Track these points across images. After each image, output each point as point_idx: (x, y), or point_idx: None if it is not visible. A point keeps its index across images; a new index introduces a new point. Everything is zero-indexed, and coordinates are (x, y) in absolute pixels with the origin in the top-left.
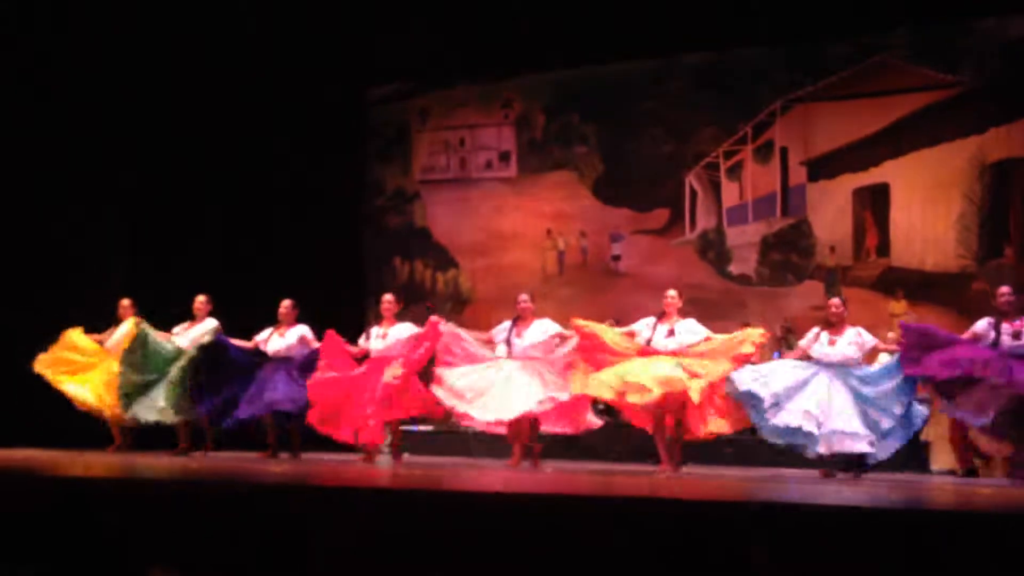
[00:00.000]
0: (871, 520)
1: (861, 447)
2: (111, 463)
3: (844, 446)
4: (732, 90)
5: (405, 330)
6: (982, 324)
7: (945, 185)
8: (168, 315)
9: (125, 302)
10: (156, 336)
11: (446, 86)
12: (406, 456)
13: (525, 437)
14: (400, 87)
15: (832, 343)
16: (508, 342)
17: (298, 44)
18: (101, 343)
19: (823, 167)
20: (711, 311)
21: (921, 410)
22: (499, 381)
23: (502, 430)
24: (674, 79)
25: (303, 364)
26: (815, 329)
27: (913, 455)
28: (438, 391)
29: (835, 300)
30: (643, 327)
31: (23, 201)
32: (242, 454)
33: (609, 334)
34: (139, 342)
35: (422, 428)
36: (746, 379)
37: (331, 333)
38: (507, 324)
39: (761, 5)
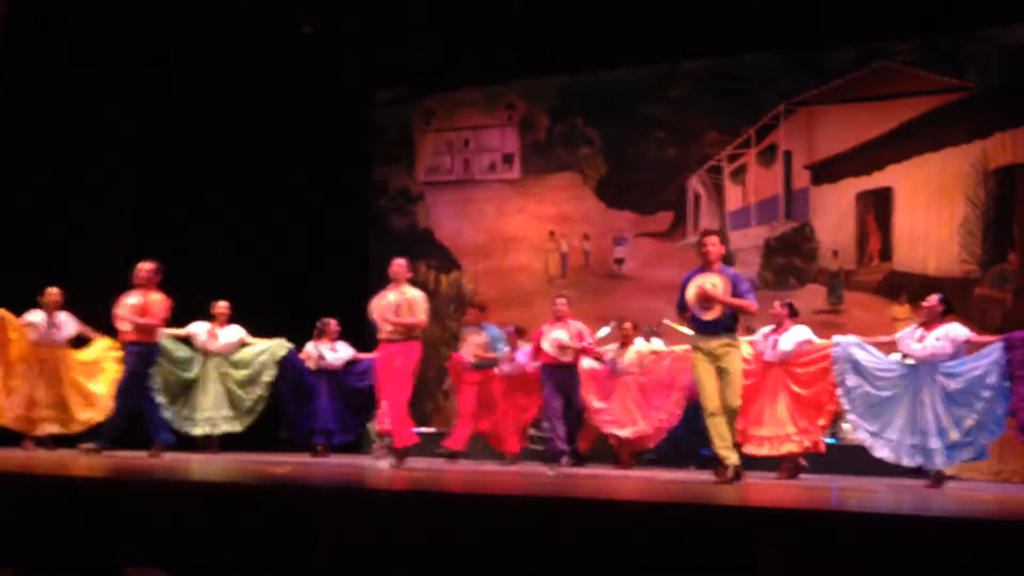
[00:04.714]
0: (876, 526)
1: (919, 462)
2: (102, 463)
3: (911, 460)
4: (736, 94)
5: (524, 355)
6: None
7: (949, 190)
8: (172, 315)
9: (53, 290)
10: (166, 339)
11: (451, 88)
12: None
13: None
14: (406, 90)
15: (921, 339)
16: (614, 361)
17: (306, 47)
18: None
19: (826, 171)
20: None
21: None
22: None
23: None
24: (678, 83)
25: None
26: (913, 325)
27: None
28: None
29: (932, 296)
30: (760, 339)
31: (26, 198)
32: (241, 455)
33: None
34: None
35: (424, 430)
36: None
37: (456, 356)
38: (616, 345)
39: (766, 11)
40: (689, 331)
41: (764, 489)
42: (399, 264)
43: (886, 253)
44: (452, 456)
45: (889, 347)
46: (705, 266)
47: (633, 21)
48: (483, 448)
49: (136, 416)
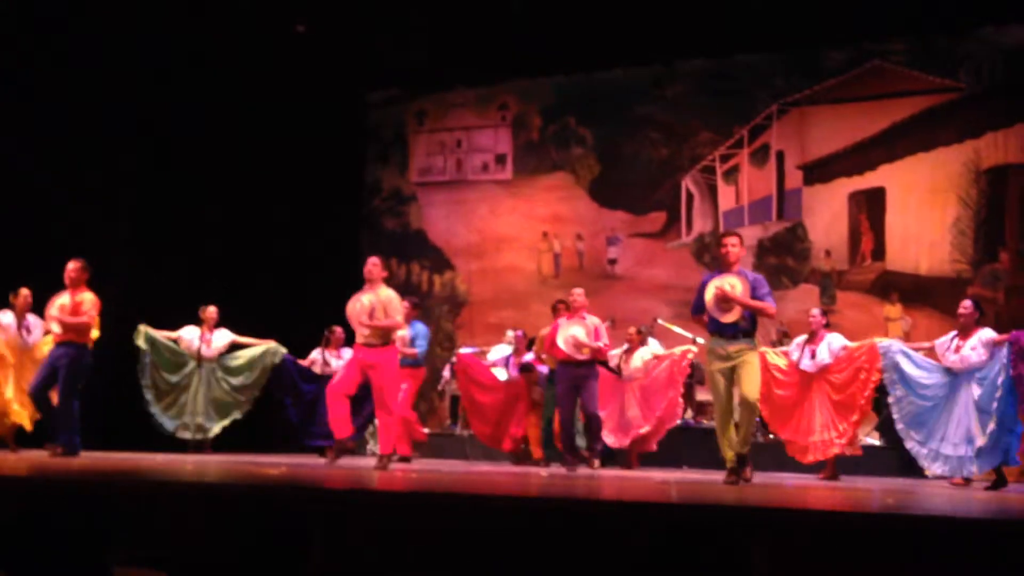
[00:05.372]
0: (865, 525)
1: (954, 470)
2: (95, 465)
3: (944, 469)
4: (729, 94)
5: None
6: None
7: (941, 190)
8: (165, 315)
9: (24, 291)
10: (160, 340)
11: (444, 89)
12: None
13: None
14: (398, 90)
15: (957, 349)
16: (619, 367)
17: (299, 48)
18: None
19: (819, 171)
20: None
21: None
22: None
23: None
24: (672, 83)
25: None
26: (952, 333)
27: (908, 461)
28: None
29: (965, 302)
30: (795, 348)
31: (26, 198)
32: (235, 456)
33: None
34: (149, 352)
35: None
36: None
37: (460, 356)
38: (622, 349)
39: (759, 12)
40: (683, 331)
41: (761, 489)
42: (374, 263)
43: (878, 253)
44: (404, 459)
45: (928, 353)
46: (724, 268)
47: (626, 22)
48: (479, 448)
49: (58, 411)
